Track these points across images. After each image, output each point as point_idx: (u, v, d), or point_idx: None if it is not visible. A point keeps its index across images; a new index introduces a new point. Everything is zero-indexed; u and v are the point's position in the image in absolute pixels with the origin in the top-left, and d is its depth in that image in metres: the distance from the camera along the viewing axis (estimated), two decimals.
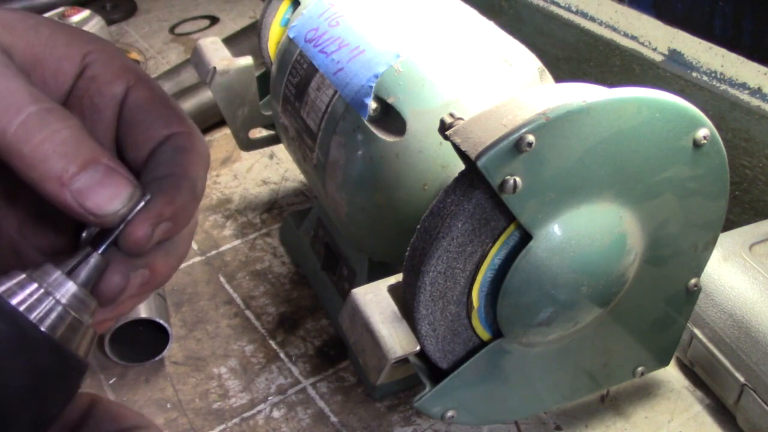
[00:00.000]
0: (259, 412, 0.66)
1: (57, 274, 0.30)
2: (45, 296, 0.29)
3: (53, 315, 0.29)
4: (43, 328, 0.28)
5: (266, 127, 0.80)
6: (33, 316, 0.28)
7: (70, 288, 0.29)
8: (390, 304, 0.49)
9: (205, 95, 1.00)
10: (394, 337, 0.47)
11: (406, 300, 0.48)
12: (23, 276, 0.29)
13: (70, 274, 0.30)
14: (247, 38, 1.14)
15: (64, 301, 0.29)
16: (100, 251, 0.30)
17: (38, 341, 0.28)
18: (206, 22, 1.35)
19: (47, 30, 0.30)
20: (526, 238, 0.46)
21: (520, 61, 0.58)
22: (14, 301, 0.28)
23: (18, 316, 0.28)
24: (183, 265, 0.82)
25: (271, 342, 0.73)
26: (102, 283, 0.30)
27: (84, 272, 0.30)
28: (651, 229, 0.50)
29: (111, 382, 0.69)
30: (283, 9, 0.73)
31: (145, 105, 0.32)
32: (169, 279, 0.33)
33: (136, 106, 0.32)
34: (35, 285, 0.29)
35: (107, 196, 0.28)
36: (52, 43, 0.30)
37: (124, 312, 0.33)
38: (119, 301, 0.31)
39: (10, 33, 0.29)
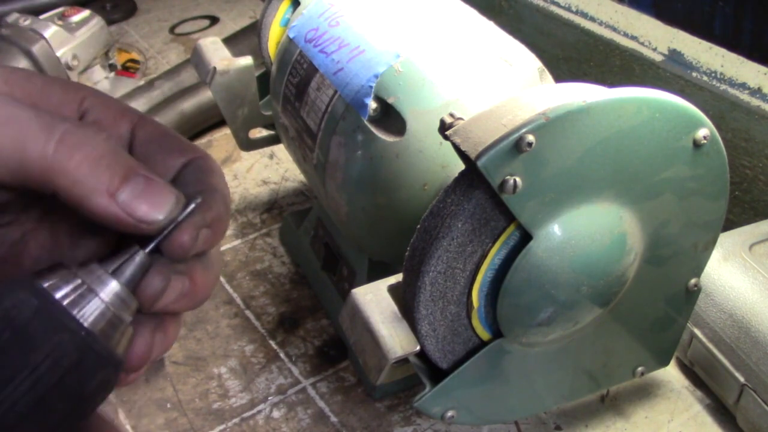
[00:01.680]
0: (259, 412, 0.66)
1: (101, 272, 0.30)
2: (88, 293, 0.29)
3: (95, 312, 0.29)
4: (84, 324, 0.29)
5: (266, 127, 0.80)
6: (75, 312, 0.29)
7: (113, 286, 0.30)
8: (390, 304, 0.49)
9: (205, 95, 1.00)
10: (394, 337, 0.47)
11: (406, 300, 0.48)
12: (68, 271, 0.30)
13: (115, 272, 0.30)
14: (247, 38, 1.14)
15: (106, 299, 0.30)
16: (147, 250, 0.31)
17: (79, 336, 0.28)
18: (206, 22, 1.35)
19: (40, 80, 0.31)
20: (526, 238, 0.46)
21: (520, 61, 0.58)
22: (57, 295, 0.29)
23: (60, 310, 0.28)
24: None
25: (271, 342, 0.73)
26: (143, 283, 0.31)
27: (128, 271, 0.30)
28: (651, 229, 0.50)
29: None
30: (283, 9, 0.73)
31: (156, 138, 0.33)
32: (207, 296, 0.34)
33: (147, 141, 0.33)
34: (79, 281, 0.29)
35: (154, 204, 0.29)
36: (48, 91, 0.31)
37: (157, 356, 0.34)
38: (159, 306, 0.31)
39: (5, 83, 0.30)
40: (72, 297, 0.29)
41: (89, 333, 0.29)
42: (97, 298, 0.29)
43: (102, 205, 0.28)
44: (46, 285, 0.29)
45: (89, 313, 0.29)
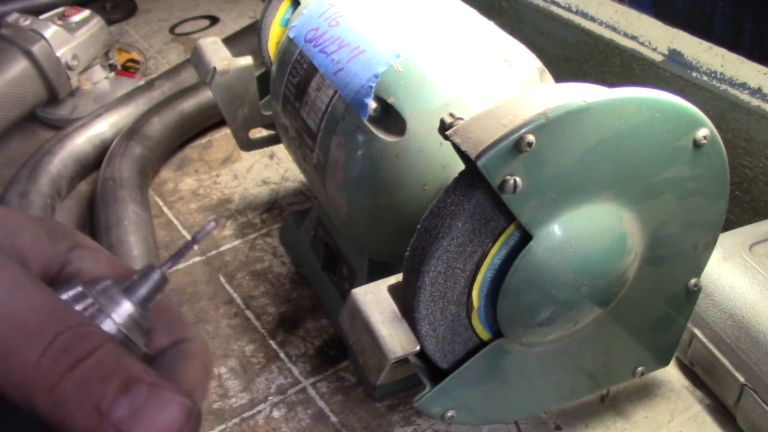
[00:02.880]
0: (259, 412, 0.66)
1: (114, 291, 0.28)
2: (99, 313, 0.27)
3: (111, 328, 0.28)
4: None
5: (266, 127, 0.80)
6: None
7: (126, 308, 0.28)
8: (390, 304, 0.49)
9: (205, 95, 1.00)
10: (394, 337, 0.47)
11: (406, 300, 0.48)
12: (80, 289, 0.28)
13: (128, 291, 0.29)
14: (247, 38, 1.14)
15: (118, 320, 0.28)
16: (164, 268, 0.29)
17: None
18: (206, 22, 1.35)
19: (26, 228, 0.27)
20: (526, 238, 0.46)
21: (520, 60, 0.58)
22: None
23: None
24: (183, 265, 0.82)
25: (271, 342, 0.73)
26: None
27: (143, 290, 0.29)
28: (651, 229, 0.50)
29: None
30: (283, 9, 0.73)
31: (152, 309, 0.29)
32: None
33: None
34: (90, 300, 0.27)
35: (157, 421, 0.23)
36: (34, 239, 0.27)
37: None
38: None
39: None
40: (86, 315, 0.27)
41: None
42: (109, 319, 0.28)
43: (87, 427, 0.22)
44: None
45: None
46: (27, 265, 0.26)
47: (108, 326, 0.27)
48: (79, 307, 0.27)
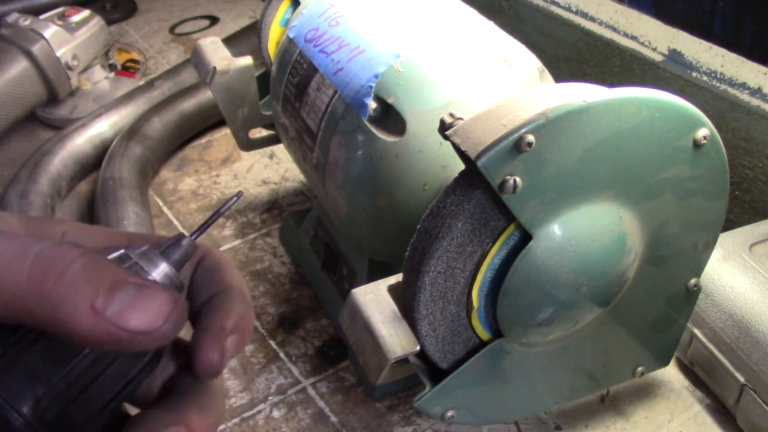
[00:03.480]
0: (259, 412, 0.66)
1: (153, 254, 0.31)
2: (141, 271, 0.30)
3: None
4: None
5: (266, 127, 0.80)
6: None
7: (163, 267, 0.31)
8: (390, 304, 0.49)
9: (205, 95, 1.00)
10: (394, 337, 0.47)
11: (406, 300, 0.48)
12: (123, 252, 0.30)
13: (164, 254, 0.31)
14: (247, 38, 1.14)
15: (157, 278, 0.31)
16: (193, 237, 0.32)
17: None
18: (206, 22, 1.35)
19: (16, 218, 0.30)
20: (526, 238, 0.46)
21: (520, 60, 0.58)
22: None
23: None
24: None
25: (271, 342, 0.73)
26: None
27: (176, 254, 0.32)
28: (651, 229, 0.50)
29: None
30: (283, 9, 0.73)
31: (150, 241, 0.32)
32: None
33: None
34: (134, 260, 0.30)
35: (149, 311, 0.26)
36: (26, 226, 0.30)
37: None
38: None
39: None
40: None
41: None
42: (149, 275, 0.30)
43: (88, 324, 0.25)
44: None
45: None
46: None
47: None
48: (123, 266, 0.30)
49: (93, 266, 0.25)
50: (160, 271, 0.31)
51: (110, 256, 0.29)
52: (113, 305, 0.25)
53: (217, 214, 0.32)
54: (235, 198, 0.32)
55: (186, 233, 0.32)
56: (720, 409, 0.65)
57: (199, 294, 0.31)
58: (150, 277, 0.30)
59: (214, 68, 0.71)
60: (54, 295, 0.24)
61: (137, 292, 0.26)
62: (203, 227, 0.33)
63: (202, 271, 0.32)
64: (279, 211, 0.90)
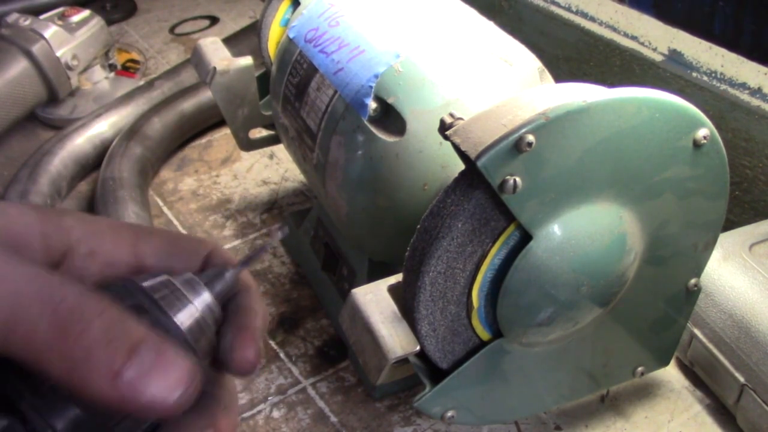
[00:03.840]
0: (259, 412, 0.66)
1: (196, 283, 0.32)
2: (184, 299, 0.31)
3: (190, 318, 0.31)
4: (181, 328, 0.30)
5: (266, 127, 0.80)
6: (173, 315, 0.31)
7: (205, 297, 0.32)
8: (390, 304, 0.49)
9: (205, 95, 1.00)
10: (394, 337, 0.47)
11: (406, 300, 0.48)
12: (166, 278, 0.31)
13: (207, 284, 0.32)
14: (247, 38, 1.14)
15: (199, 307, 0.31)
16: (237, 271, 0.33)
17: (175, 336, 0.30)
18: (206, 22, 1.35)
19: (15, 209, 0.29)
20: (526, 238, 0.46)
21: (520, 60, 0.58)
22: (157, 296, 0.30)
23: (162, 312, 0.30)
24: None
25: (271, 342, 0.73)
26: None
27: (219, 285, 0.32)
28: (651, 229, 0.50)
29: None
30: (283, 9, 0.73)
31: (165, 249, 0.32)
32: None
33: (156, 254, 0.32)
34: (177, 287, 0.31)
35: (165, 381, 0.25)
36: (26, 224, 0.29)
37: None
38: None
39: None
40: (170, 300, 0.30)
41: (186, 338, 0.30)
42: (192, 305, 0.31)
43: (104, 388, 0.24)
44: (147, 285, 0.30)
45: (184, 318, 0.31)
46: (25, 250, 0.28)
47: (190, 311, 0.31)
48: (163, 293, 0.30)
49: (114, 326, 0.25)
50: (202, 300, 0.31)
51: (153, 282, 0.30)
52: (131, 371, 0.24)
53: (264, 249, 0.34)
54: (280, 233, 0.33)
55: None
56: (720, 409, 0.65)
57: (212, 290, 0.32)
58: (192, 306, 0.30)
59: (214, 68, 0.71)
60: (73, 354, 0.24)
61: (157, 357, 0.25)
62: (250, 258, 0.33)
63: (214, 268, 0.32)
64: (279, 211, 0.90)
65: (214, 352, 0.32)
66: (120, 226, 0.32)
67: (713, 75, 0.75)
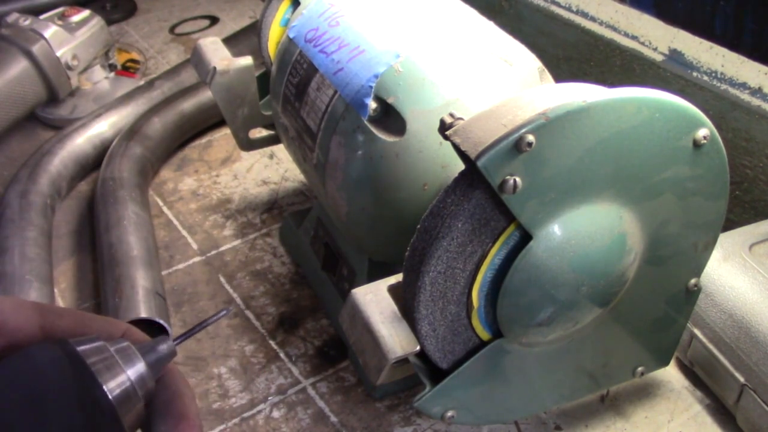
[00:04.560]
0: (259, 412, 0.66)
1: (131, 351, 0.32)
2: (116, 366, 0.31)
3: (120, 386, 0.31)
4: (109, 396, 0.30)
5: (266, 127, 0.80)
6: (103, 381, 0.30)
7: (139, 367, 0.32)
8: (390, 304, 0.48)
9: (205, 95, 1.00)
10: (394, 337, 0.47)
11: (406, 300, 0.48)
12: (101, 343, 0.31)
13: (143, 353, 0.32)
14: (247, 38, 1.14)
15: (132, 376, 0.31)
16: (176, 342, 0.33)
17: (102, 406, 0.30)
18: (206, 22, 1.35)
19: None
20: (526, 238, 0.46)
21: (520, 60, 0.58)
22: (90, 361, 0.30)
23: (89, 376, 0.30)
24: (183, 265, 0.82)
25: (271, 342, 0.73)
26: None
27: (154, 355, 0.32)
28: (651, 229, 0.50)
29: None
30: (283, 9, 0.73)
31: (73, 327, 0.33)
32: None
33: (66, 331, 0.32)
34: (111, 354, 0.31)
35: None
36: None
37: None
38: None
39: None
40: (101, 366, 0.30)
41: (111, 408, 0.30)
42: (124, 374, 0.31)
43: None
44: (80, 349, 0.30)
45: (115, 385, 0.31)
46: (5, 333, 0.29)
47: (121, 378, 0.31)
48: (96, 359, 0.30)
49: None
50: (136, 370, 0.31)
51: (88, 346, 0.30)
52: None
53: (202, 324, 0.33)
54: (224, 311, 0.33)
55: (168, 337, 0.32)
56: (720, 409, 0.64)
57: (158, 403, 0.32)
58: (125, 375, 0.30)
59: (214, 68, 0.71)
60: None
61: None
62: (186, 335, 0.33)
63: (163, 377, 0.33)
64: (279, 211, 0.90)
65: (142, 427, 0.32)
66: (23, 304, 0.32)
67: (714, 75, 0.75)
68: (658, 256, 0.52)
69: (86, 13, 1.09)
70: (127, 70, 1.18)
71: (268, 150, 0.99)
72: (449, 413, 0.51)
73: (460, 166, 0.45)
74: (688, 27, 0.77)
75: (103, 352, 0.31)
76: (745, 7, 0.71)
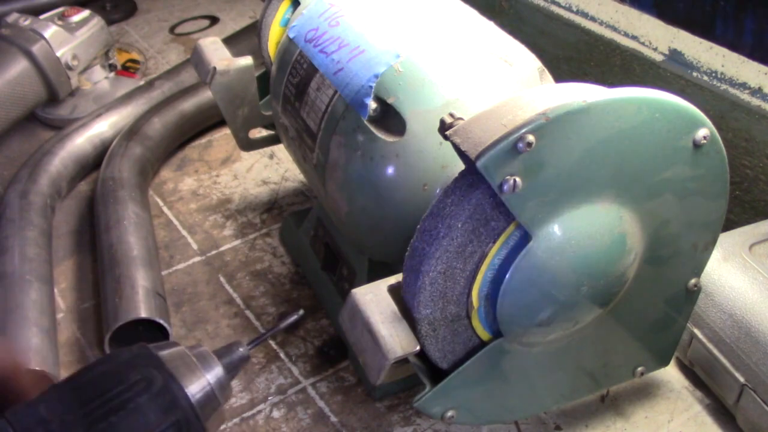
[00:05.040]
0: (259, 412, 0.66)
1: (210, 356, 0.35)
2: (197, 370, 0.34)
3: (201, 389, 0.34)
4: (192, 401, 0.33)
5: (266, 127, 0.80)
6: (185, 384, 0.33)
7: (217, 371, 0.35)
8: (390, 304, 0.48)
9: (205, 95, 1.00)
10: (394, 337, 0.47)
11: (406, 300, 0.48)
12: (182, 348, 0.34)
13: (220, 358, 0.35)
14: (247, 38, 1.14)
15: (212, 380, 0.34)
16: (250, 346, 0.37)
17: (185, 409, 0.33)
18: (206, 22, 1.35)
19: None
20: (526, 238, 0.46)
21: (520, 61, 0.58)
22: (172, 366, 0.34)
23: (173, 381, 0.33)
24: (183, 265, 0.82)
25: (271, 342, 0.73)
26: None
27: (230, 359, 0.36)
28: (651, 229, 0.50)
29: None
30: (283, 9, 0.73)
31: None
32: None
33: None
34: (192, 357, 0.34)
35: None
36: None
37: None
38: None
39: None
40: (184, 370, 0.33)
41: (194, 411, 0.33)
42: (204, 377, 0.34)
43: None
44: (161, 354, 0.33)
45: (197, 389, 0.34)
46: None
47: (202, 382, 0.34)
48: (177, 363, 0.33)
49: None
50: (214, 374, 0.35)
51: (168, 351, 0.32)
52: None
53: (276, 328, 0.38)
54: (296, 314, 0.38)
55: (242, 342, 0.36)
56: (720, 409, 0.64)
57: None
58: (205, 379, 0.33)
59: (214, 68, 0.71)
60: None
61: None
62: (260, 339, 0.38)
63: None
64: (279, 211, 0.90)
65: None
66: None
67: (714, 75, 0.75)
68: (658, 256, 0.52)
69: (86, 13, 1.09)
70: (127, 70, 1.18)
71: (268, 150, 0.99)
72: (449, 413, 0.51)
73: (460, 166, 0.45)
74: (688, 27, 0.77)
75: (184, 357, 0.33)
76: (745, 7, 0.71)
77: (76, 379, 0.34)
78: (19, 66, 1.00)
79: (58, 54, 1.02)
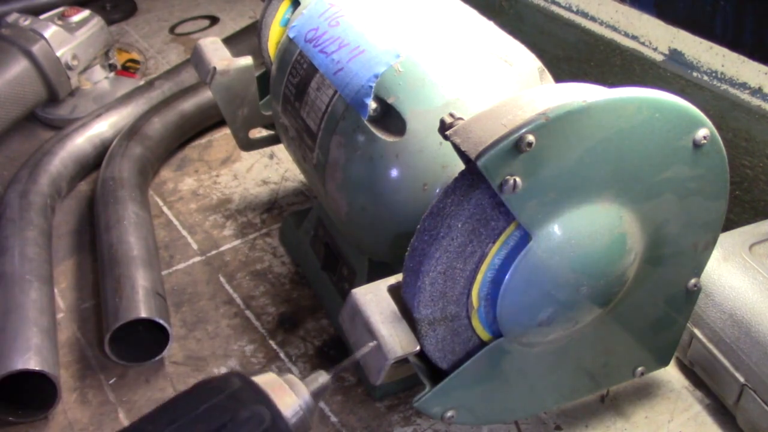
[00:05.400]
0: None
1: (297, 382, 0.38)
2: (289, 396, 0.38)
3: (295, 414, 0.38)
4: (288, 422, 0.37)
5: (266, 127, 0.80)
6: (282, 408, 0.37)
7: (306, 397, 0.38)
8: (390, 304, 0.48)
9: (205, 95, 1.00)
10: (394, 337, 0.47)
11: (406, 300, 0.48)
12: (273, 375, 0.38)
13: (307, 384, 0.39)
14: (247, 38, 1.14)
15: (303, 406, 0.38)
16: (331, 375, 0.41)
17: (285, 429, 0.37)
18: (206, 22, 1.35)
19: None
20: (526, 238, 0.46)
21: (520, 60, 0.58)
22: (267, 390, 0.37)
23: (281, 419, 0.36)
24: (183, 265, 0.82)
25: (271, 342, 0.73)
26: None
27: (316, 386, 0.40)
28: (651, 229, 0.50)
29: (111, 382, 0.69)
30: (283, 9, 0.73)
31: None
32: None
33: None
34: (287, 387, 0.38)
35: None
36: None
37: None
38: None
39: None
40: (278, 395, 0.37)
41: None
42: (297, 403, 0.37)
43: None
44: (256, 379, 0.37)
45: (291, 414, 0.37)
46: None
47: (295, 407, 0.38)
48: (270, 389, 0.38)
49: None
50: (304, 400, 0.38)
51: (262, 378, 0.36)
52: None
53: (352, 358, 0.41)
54: (369, 346, 0.41)
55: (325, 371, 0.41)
56: (720, 409, 0.64)
57: None
58: (297, 405, 0.37)
59: (214, 68, 0.71)
60: None
61: None
62: (340, 368, 0.41)
63: None
64: (279, 211, 0.90)
65: None
66: None
67: (714, 75, 0.75)
68: (658, 256, 0.52)
69: (86, 13, 1.09)
70: (127, 70, 1.18)
71: (268, 150, 1.00)
72: (449, 413, 0.51)
73: (460, 166, 0.45)
74: (688, 27, 0.77)
75: (275, 384, 0.37)
76: (745, 7, 0.71)
77: (180, 413, 0.36)
78: (19, 66, 1.00)
79: (58, 54, 1.02)
